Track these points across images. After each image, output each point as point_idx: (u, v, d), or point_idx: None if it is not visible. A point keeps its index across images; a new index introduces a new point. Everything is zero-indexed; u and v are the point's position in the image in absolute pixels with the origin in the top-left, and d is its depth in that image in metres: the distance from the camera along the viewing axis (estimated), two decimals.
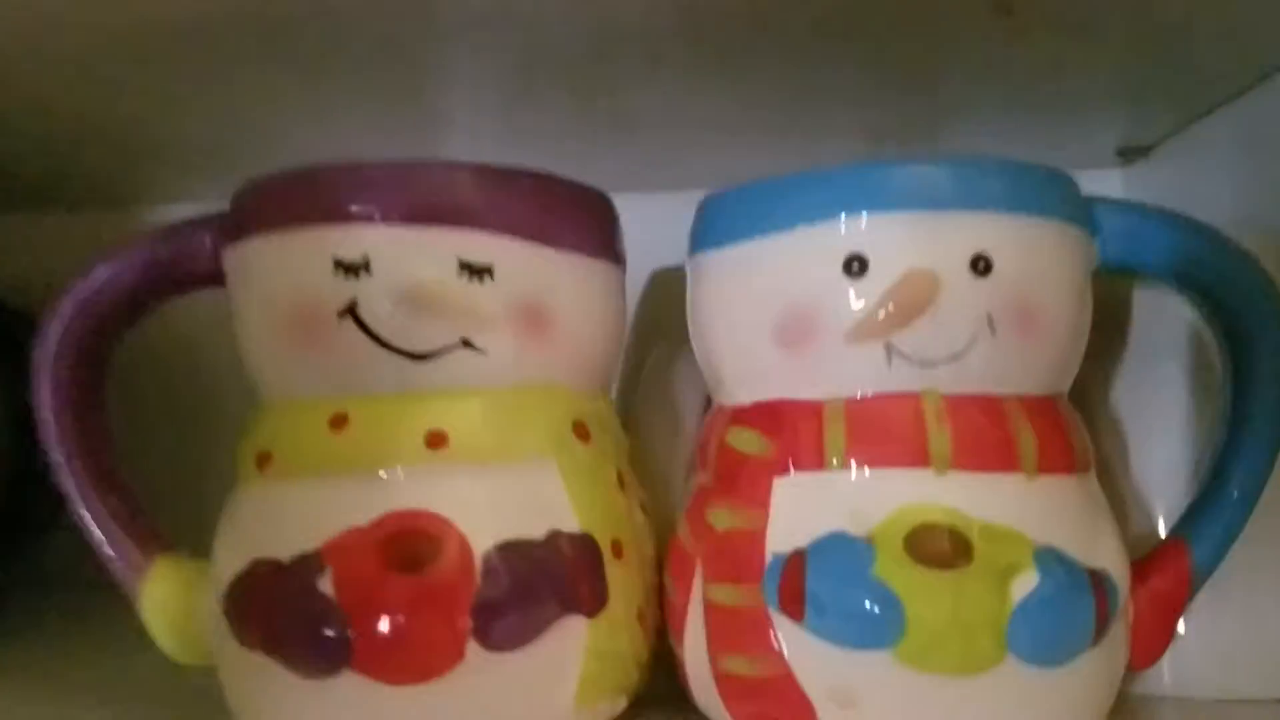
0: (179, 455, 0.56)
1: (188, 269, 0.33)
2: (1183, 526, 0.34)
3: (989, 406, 0.30)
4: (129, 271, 0.33)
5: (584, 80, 0.41)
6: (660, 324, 0.42)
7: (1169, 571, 0.33)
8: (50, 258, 0.44)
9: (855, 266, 0.29)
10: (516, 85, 0.41)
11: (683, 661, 0.33)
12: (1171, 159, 0.53)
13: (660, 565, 0.34)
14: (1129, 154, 0.55)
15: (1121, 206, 0.32)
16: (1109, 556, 0.31)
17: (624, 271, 0.35)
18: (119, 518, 0.33)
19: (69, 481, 0.33)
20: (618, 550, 0.32)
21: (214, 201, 0.33)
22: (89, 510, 0.33)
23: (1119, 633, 0.31)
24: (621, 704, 0.33)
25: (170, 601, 0.33)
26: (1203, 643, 0.35)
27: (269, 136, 0.47)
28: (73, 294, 0.33)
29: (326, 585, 0.28)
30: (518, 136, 0.47)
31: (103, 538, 0.33)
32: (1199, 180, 0.50)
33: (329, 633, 0.28)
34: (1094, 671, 0.30)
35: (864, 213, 0.29)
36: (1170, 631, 0.33)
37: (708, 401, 0.40)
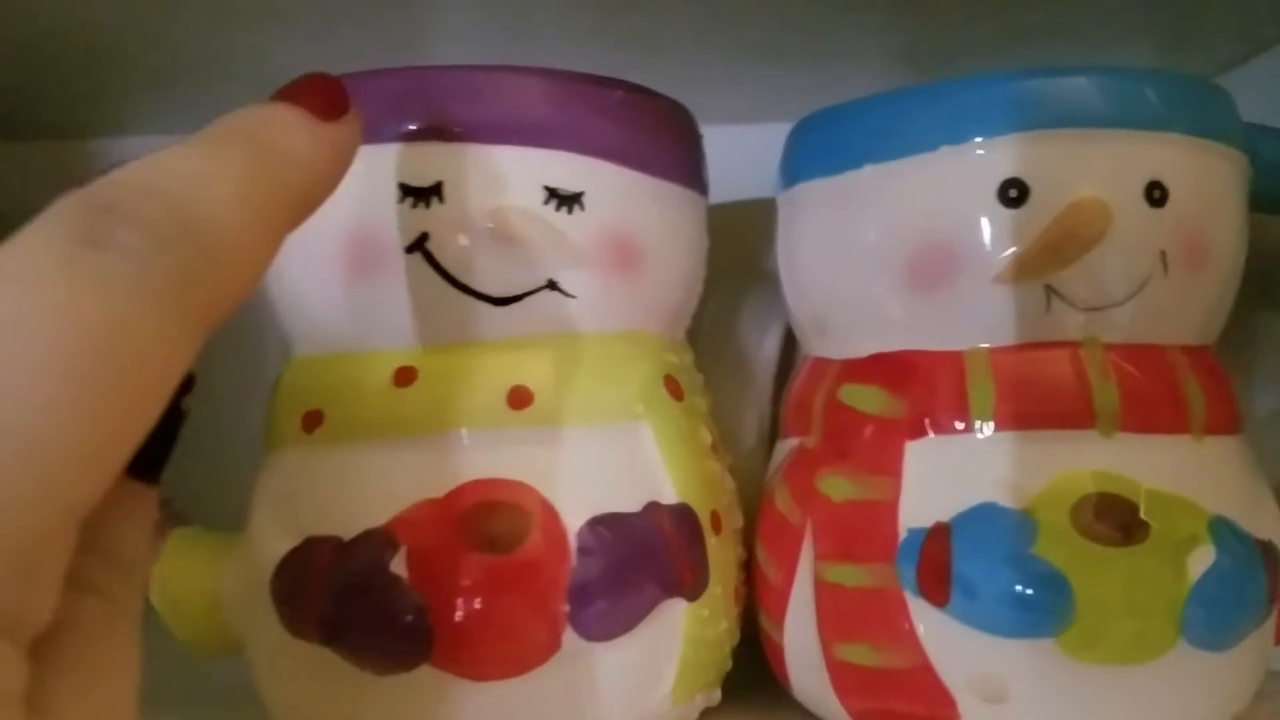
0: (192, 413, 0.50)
1: None
2: None
3: (1154, 358, 0.26)
4: None
5: None
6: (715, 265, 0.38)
7: None
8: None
9: (1013, 193, 0.25)
10: None
11: (780, 646, 0.29)
12: None
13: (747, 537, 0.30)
14: None
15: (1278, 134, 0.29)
16: (1273, 525, 0.27)
17: (707, 203, 0.31)
18: None
19: None
20: (716, 523, 0.27)
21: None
22: None
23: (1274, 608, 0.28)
24: (716, 697, 0.29)
25: (186, 582, 0.28)
26: None
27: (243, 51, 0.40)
28: None
29: (399, 566, 0.24)
30: (521, 55, 0.42)
31: None
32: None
33: (406, 621, 0.24)
34: (1257, 654, 0.27)
35: (1024, 130, 0.25)
36: None
37: (784, 351, 0.36)
